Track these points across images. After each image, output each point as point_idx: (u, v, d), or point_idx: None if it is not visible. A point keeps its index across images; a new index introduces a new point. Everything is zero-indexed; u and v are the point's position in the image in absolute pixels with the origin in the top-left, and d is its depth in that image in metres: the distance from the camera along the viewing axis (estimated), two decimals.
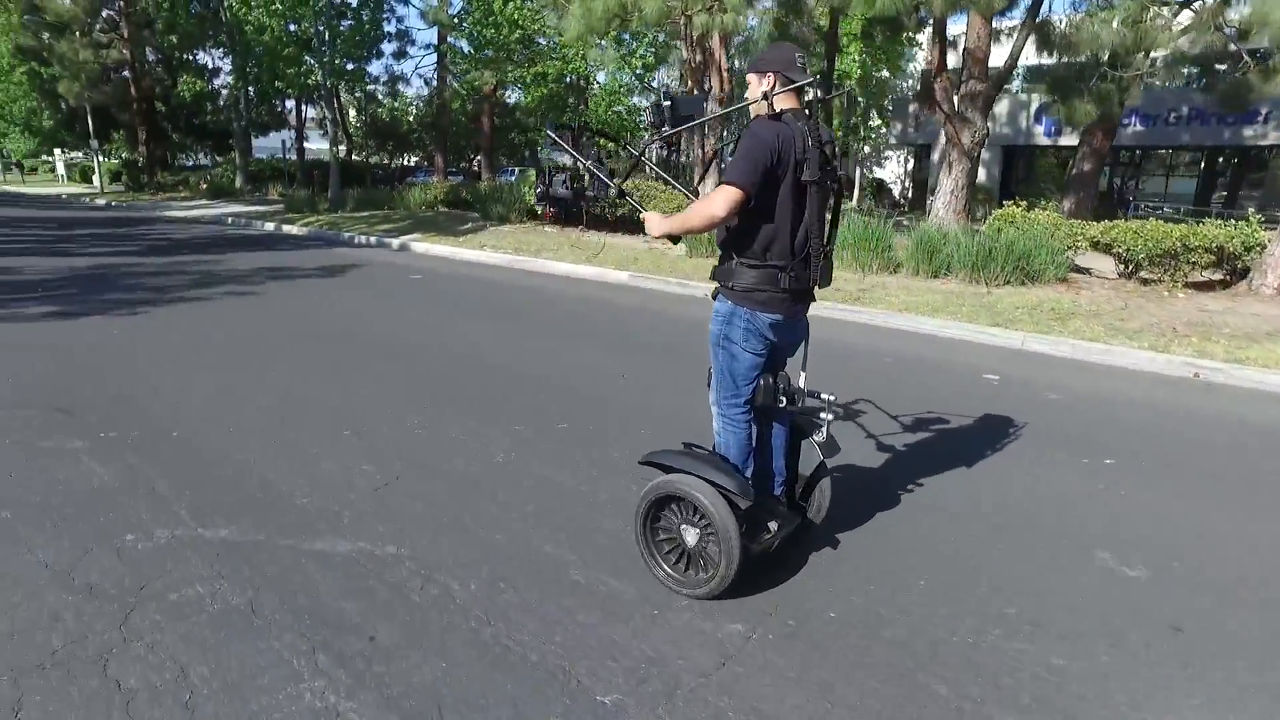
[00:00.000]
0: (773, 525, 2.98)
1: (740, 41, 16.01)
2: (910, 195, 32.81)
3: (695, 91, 14.59)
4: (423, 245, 15.82)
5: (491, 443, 4.46)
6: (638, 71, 17.11)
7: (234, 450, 4.22)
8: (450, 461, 4.17)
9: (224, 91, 31.31)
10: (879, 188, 34.58)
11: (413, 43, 28.02)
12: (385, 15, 25.22)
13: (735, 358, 2.83)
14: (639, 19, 12.07)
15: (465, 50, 28.36)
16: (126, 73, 32.76)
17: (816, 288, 2.85)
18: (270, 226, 20.19)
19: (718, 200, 2.59)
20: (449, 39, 24.76)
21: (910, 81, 35.99)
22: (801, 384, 3.02)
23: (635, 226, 17.05)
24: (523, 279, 12.07)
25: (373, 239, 16.87)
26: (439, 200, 22.34)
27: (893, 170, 37.24)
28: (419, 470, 4.03)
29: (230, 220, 22.03)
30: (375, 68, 28.11)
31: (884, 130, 32.55)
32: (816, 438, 3.01)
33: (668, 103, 2.86)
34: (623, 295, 10.68)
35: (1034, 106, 28.03)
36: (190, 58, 30.73)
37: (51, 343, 6.59)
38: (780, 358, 2.99)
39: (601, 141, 3.67)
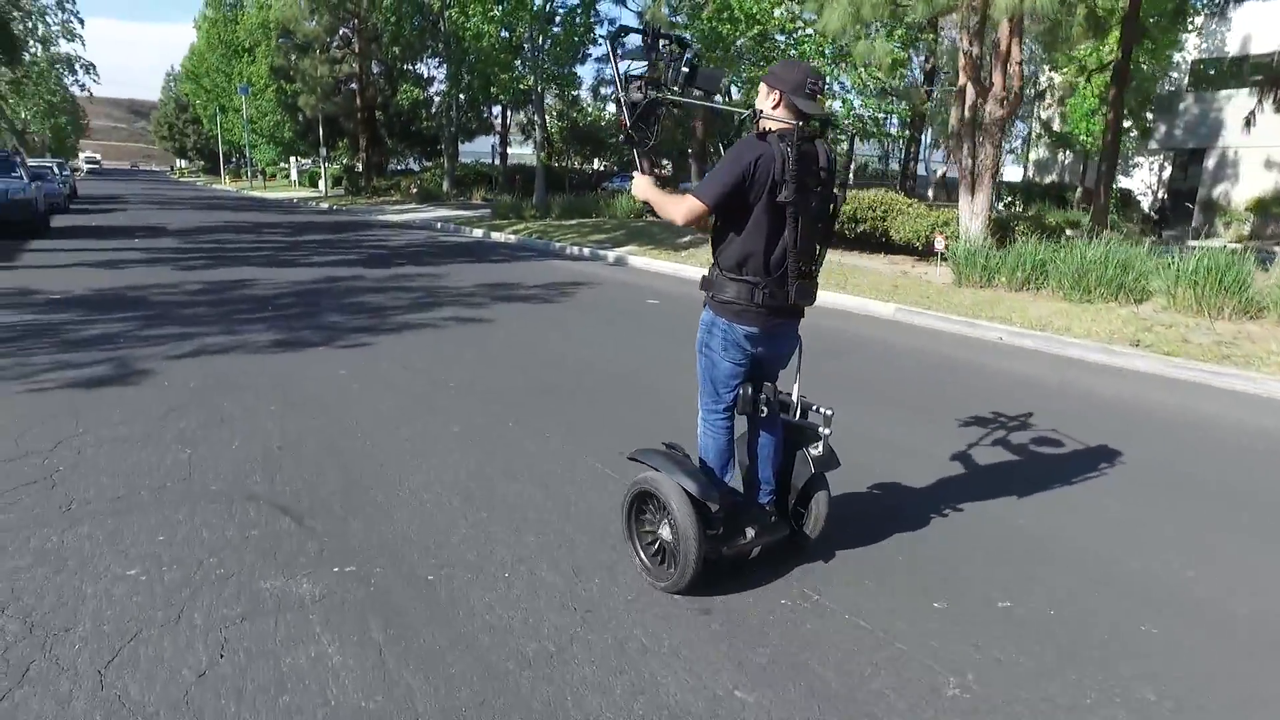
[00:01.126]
0: (750, 531, 3.00)
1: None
2: (1169, 209, 27.92)
3: (970, 89, 12.18)
4: (641, 260, 14.54)
5: None
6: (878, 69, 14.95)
7: (517, 623, 2.75)
8: None
9: (436, 99, 32.24)
10: (1124, 200, 29.84)
11: (623, 45, 26.87)
12: (596, 19, 24.52)
13: (715, 365, 2.92)
14: (925, 5, 9.97)
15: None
16: (354, 85, 34.68)
17: (803, 305, 2.89)
18: (479, 233, 19.87)
19: (681, 207, 2.75)
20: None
21: (1177, 74, 30.86)
22: (794, 396, 3.14)
23: (877, 245, 14.87)
24: None
25: (586, 250, 15.84)
26: (650, 211, 21.17)
27: (1141, 180, 32.12)
28: None
29: (440, 225, 22.12)
30: (584, 71, 27.51)
31: (1135, 134, 27.90)
32: (813, 450, 3.06)
33: (686, 68, 2.89)
34: (896, 334, 8.69)
35: None
36: (410, 67, 31.89)
37: (278, 383, 5.63)
38: (767, 369, 3.03)
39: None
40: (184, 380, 5.64)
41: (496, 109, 35.64)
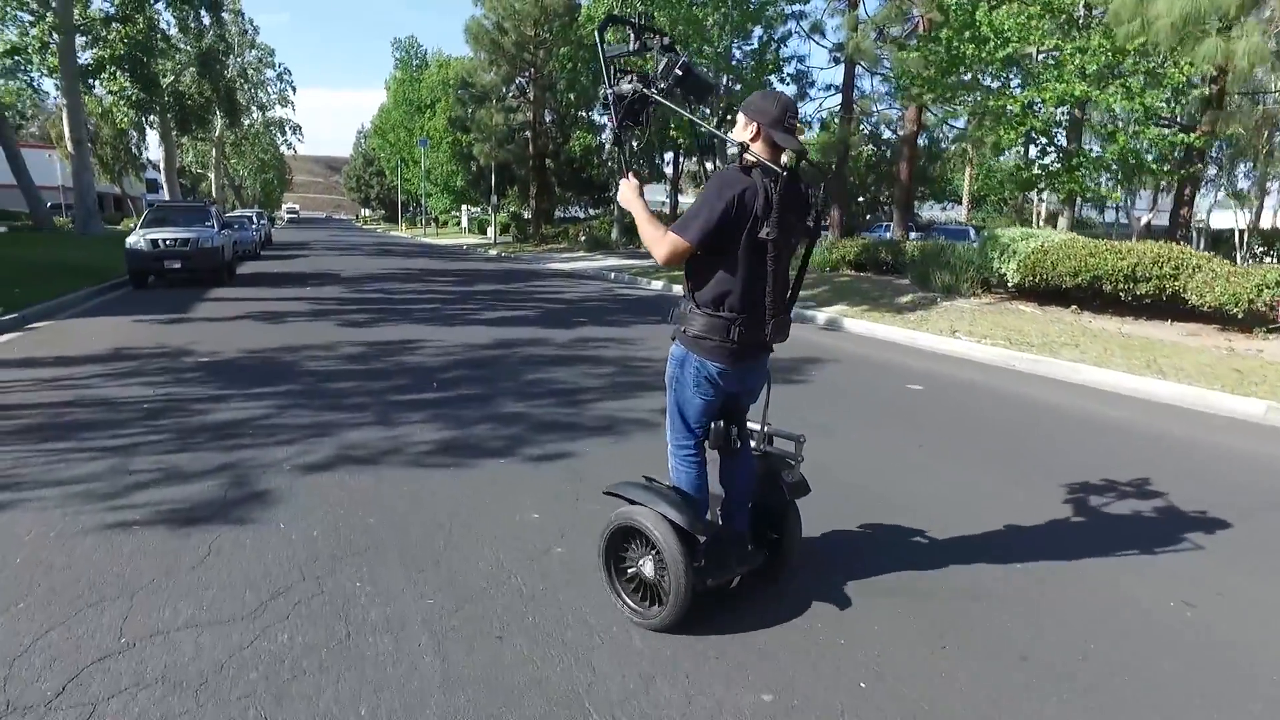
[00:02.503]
0: (731, 561, 2.97)
1: None
2: None
3: None
4: (859, 323, 12.02)
5: None
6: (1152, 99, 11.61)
7: None
8: None
9: (608, 145, 31.44)
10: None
11: (812, 84, 24.80)
12: (785, 57, 22.60)
13: (686, 401, 2.85)
14: None
15: (873, 83, 24.73)
16: (527, 132, 34.67)
17: (777, 342, 2.83)
18: (658, 285, 18.06)
19: (664, 246, 2.65)
20: (863, 71, 21.42)
21: None
22: (764, 426, 3.21)
23: (1164, 311, 11.56)
24: (1052, 393, 7.56)
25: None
26: (845, 261, 18.68)
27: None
28: None
29: (613, 276, 20.60)
30: None
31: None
32: (787, 477, 3.10)
33: (680, 70, 2.82)
34: (1273, 443, 5.70)
35: None
36: (584, 114, 31.34)
37: (442, 531, 3.67)
38: (739, 403, 2.99)
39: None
40: (307, 520, 3.78)
41: (669, 155, 34.46)
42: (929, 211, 48.32)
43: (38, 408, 5.71)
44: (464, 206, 55.55)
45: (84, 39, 23.91)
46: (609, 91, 2.87)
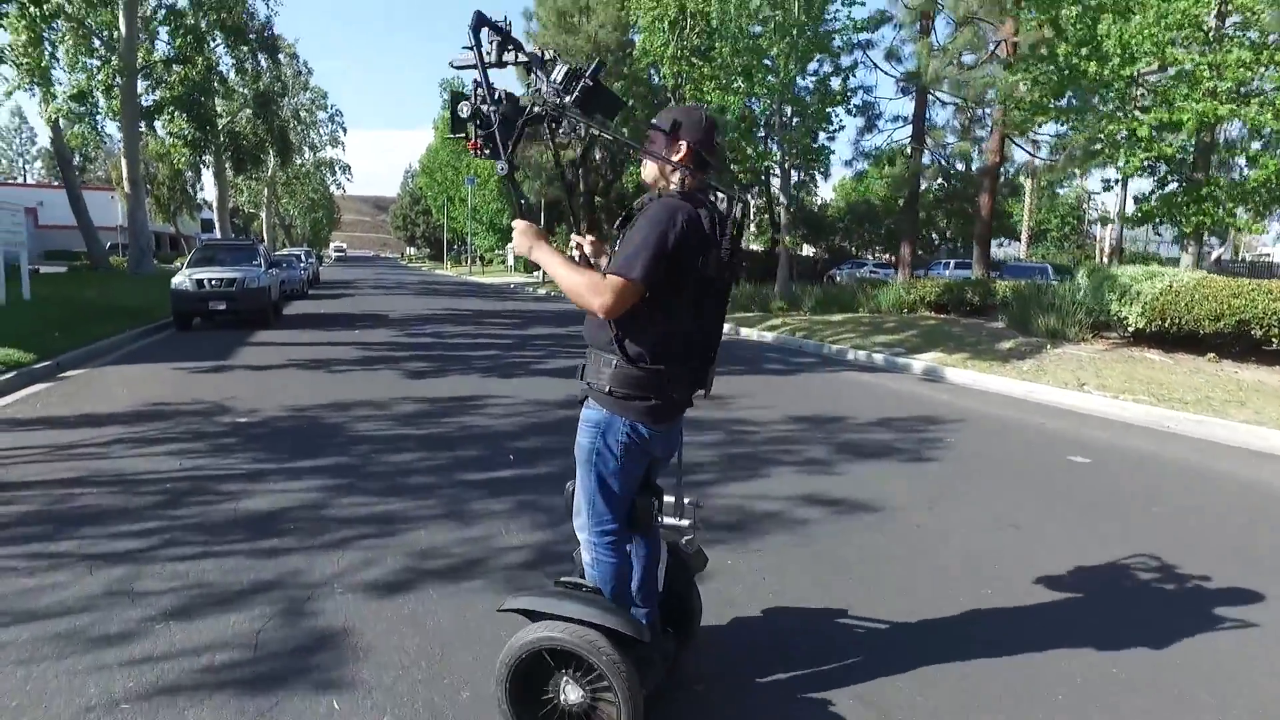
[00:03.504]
0: (657, 660, 2.49)
1: None
2: None
3: None
4: (963, 373, 10.68)
5: None
6: None
7: None
8: None
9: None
10: None
11: (879, 115, 23.70)
12: (853, 89, 21.55)
13: (610, 476, 2.37)
14: None
15: (947, 114, 23.59)
16: (578, 169, 34.10)
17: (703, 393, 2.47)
18: (726, 329, 16.88)
19: (607, 293, 2.18)
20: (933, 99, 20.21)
21: None
22: (680, 494, 2.71)
23: None
24: (1245, 466, 6.15)
25: (877, 357, 12.23)
26: (923, 302, 17.34)
27: None
28: None
29: None
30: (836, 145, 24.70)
31: None
32: (687, 547, 2.76)
33: (589, 80, 2.39)
34: None
35: None
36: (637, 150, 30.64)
37: None
38: (656, 471, 2.60)
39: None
40: (372, 697, 2.64)
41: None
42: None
43: (38, 488, 4.71)
44: (509, 245, 55.42)
45: (145, 81, 23.90)
46: (491, 109, 2.38)
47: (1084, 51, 10.88)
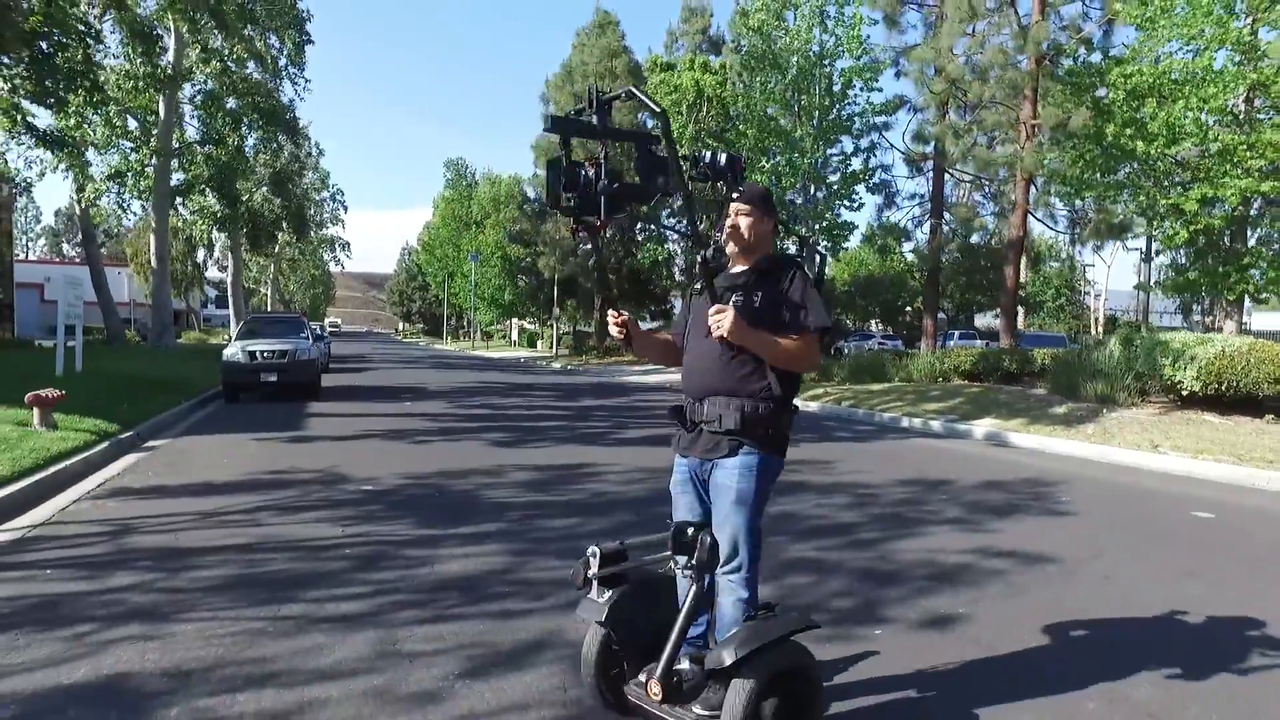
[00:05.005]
0: None
1: None
2: None
3: None
4: (1027, 438, 10.86)
5: None
6: None
7: None
8: None
9: (679, 256, 31.28)
10: None
11: (896, 193, 24.52)
12: (873, 169, 22.37)
13: (761, 514, 2.60)
14: None
15: (964, 190, 24.38)
16: (589, 246, 34.82)
17: None
18: None
19: (815, 350, 2.57)
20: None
21: None
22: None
23: None
24: None
25: (934, 424, 12.41)
26: (956, 370, 17.63)
27: None
28: None
29: None
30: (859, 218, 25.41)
31: None
32: None
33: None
34: None
35: None
36: (653, 227, 31.38)
37: None
38: None
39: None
40: None
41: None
42: (981, 319, 47.40)
43: (220, 554, 4.69)
44: (513, 320, 55.90)
45: (176, 161, 24.46)
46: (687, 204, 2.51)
47: (1129, 131, 11.51)
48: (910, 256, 25.17)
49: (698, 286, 2.67)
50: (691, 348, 2.72)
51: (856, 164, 21.22)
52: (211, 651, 3.30)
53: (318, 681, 3.04)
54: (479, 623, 3.69)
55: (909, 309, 43.06)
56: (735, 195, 2.60)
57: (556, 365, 31.08)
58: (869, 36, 19.84)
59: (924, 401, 14.58)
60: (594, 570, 2.63)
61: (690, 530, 2.57)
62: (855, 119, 20.60)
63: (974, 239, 24.53)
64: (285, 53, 27.41)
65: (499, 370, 27.17)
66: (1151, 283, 19.47)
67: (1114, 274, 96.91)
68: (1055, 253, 47.98)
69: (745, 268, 2.68)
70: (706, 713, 2.47)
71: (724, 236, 2.64)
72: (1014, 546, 5.18)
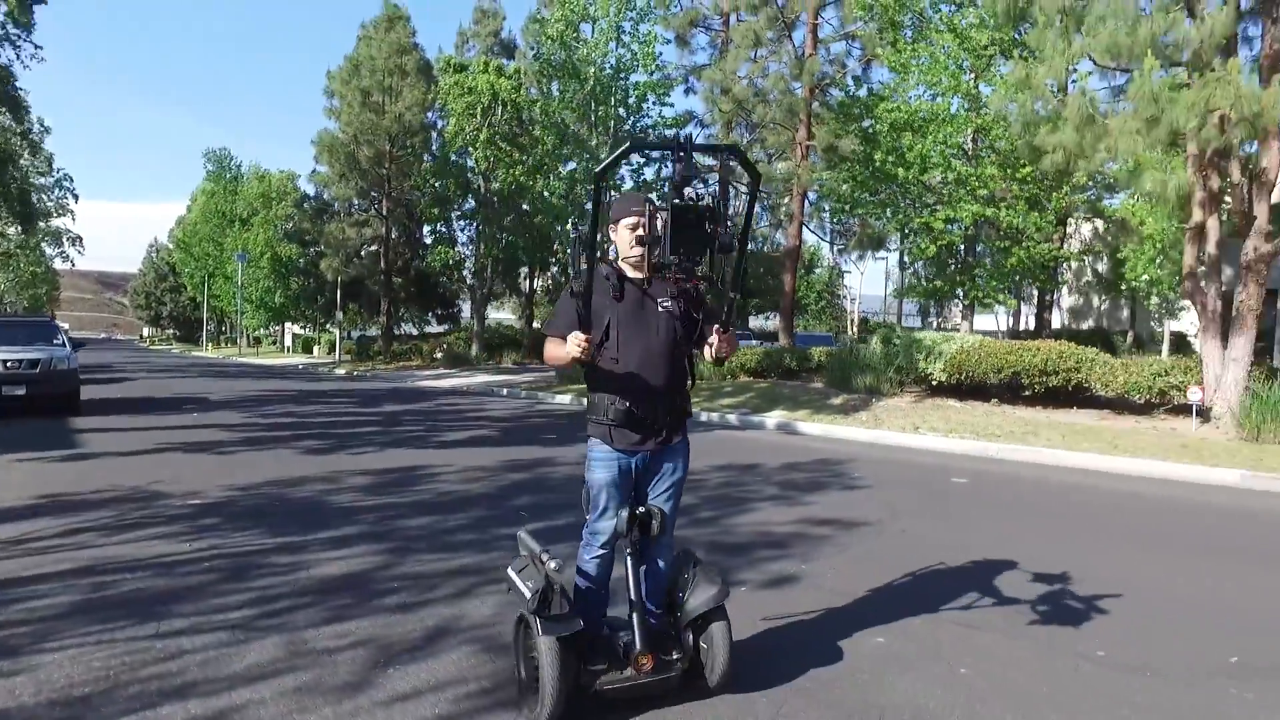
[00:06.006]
0: None
1: None
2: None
3: (1211, 225, 10.76)
4: (814, 426, 12.32)
5: None
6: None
7: None
8: None
9: (470, 260, 30.92)
10: (1178, 344, 28.74)
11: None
12: (666, 178, 23.66)
13: None
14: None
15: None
16: (376, 247, 33.44)
17: None
18: (564, 399, 17.55)
19: None
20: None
21: None
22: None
23: (1068, 400, 12.90)
24: (1069, 476, 8.07)
25: (731, 418, 13.61)
26: (743, 368, 19.25)
27: (1192, 321, 31.26)
28: None
29: (505, 391, 19.80)
30: None
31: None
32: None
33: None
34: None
35: None
36: (444, 230, 30.78)
37: None
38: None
39: None
40: None
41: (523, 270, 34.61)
42: (754, 321, 51.46)
43: (57, 580, 4.29)
44: (287, 324, 51.96)
45: None
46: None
47: (891, 159, 13.47)
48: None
49: (613, 289, 2.81)
50: (640, 347, 2.80)
51: (649, 174, 22.42)
52: (101, 673, 3.14)
53: (243, 685, 3.04)
54: (383, 617, 3.79)
55: None
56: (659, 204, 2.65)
57: (341, 371, 29.51)
58: (661, 54, 21.08)
59: (719, 397, 15.86)
60: (554, 582, 2.73)
61: (644, 511, 2.88)
62: (650, 131, 21.76)
63: (753, 247, 26.92)
64: (6, 10, 23.65)
65: (281, 378, 25.33)
66: (904, 288, 22.66)
67: (865, 281, 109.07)
68: (818, 260, 53.32)
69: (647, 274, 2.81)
70: (678, 656, 2.87)
71: (640, 248, 2.72)
72: (830, 515, 6.08)
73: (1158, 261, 16.38)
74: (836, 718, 2.87)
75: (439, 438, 10.59)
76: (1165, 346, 26.08)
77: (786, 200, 23.21)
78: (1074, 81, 12.85)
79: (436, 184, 28.43)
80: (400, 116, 28.91)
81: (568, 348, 2.68)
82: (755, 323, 51.30)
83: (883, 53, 14.95)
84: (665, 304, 2.87)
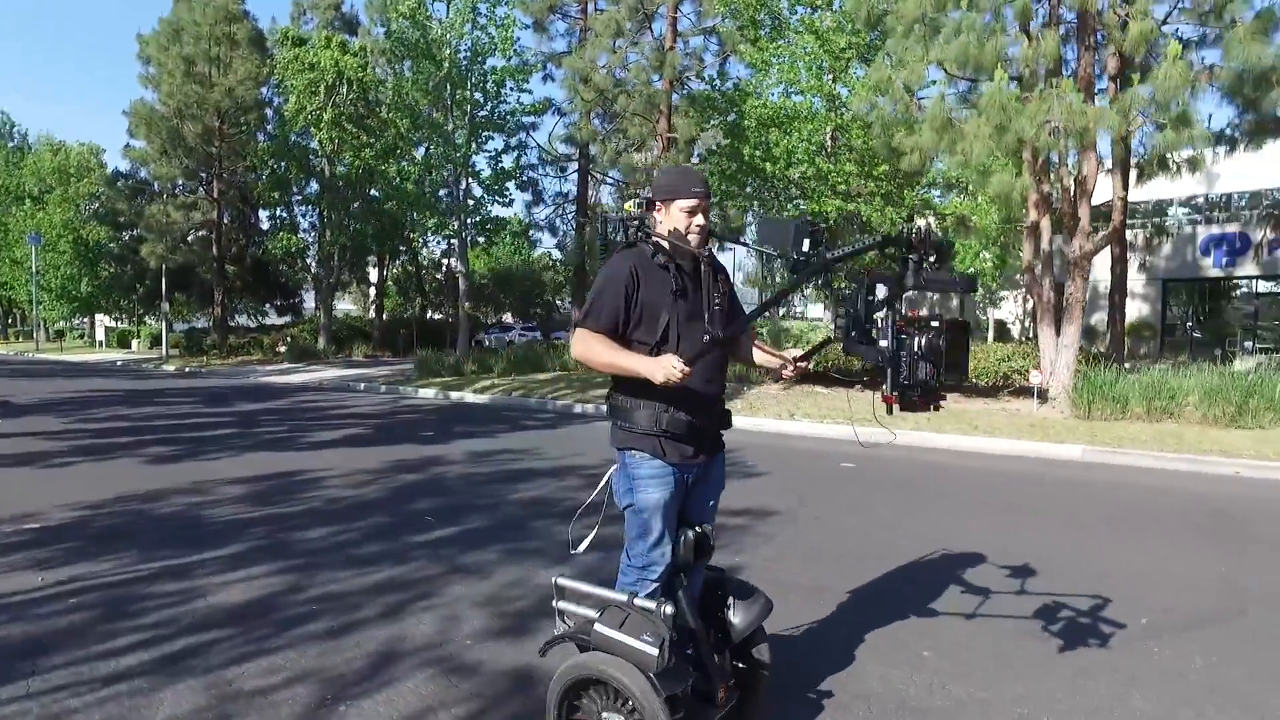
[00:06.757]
0: None
1: None
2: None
3: (1044, 225, 11.89)
4: None
5: None
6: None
7: None
8: None
9: (314, 248, 28.94)
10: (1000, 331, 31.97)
11: (542, 191, 25.84)
12: (525, 167, 23.26)
13: None
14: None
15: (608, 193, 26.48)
16: (205, 232, 30.65)
17: None
18: (429, 393, 16.86)
19: None
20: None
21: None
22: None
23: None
24: (935, 457, 8.71)
25: (604, 407, 13.51)
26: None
27: (1010, 310, 34.68)
28: None
29: (363, 386, 18.75)
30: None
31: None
32: None
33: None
34: (1108, 476, 7.29)
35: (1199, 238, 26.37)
36: (285, 215, 28.59)
37: None
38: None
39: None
40: None
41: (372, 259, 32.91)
42: None
43: None
44: (97, 316, 46.63)
45: None
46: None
47: (758, 154, 13.87)
48: (556, 253, 26.69)
49: (676, 285, 2.44)
50: (699, 340, 2.39)
51: (508, 161, 21.90)
52: None
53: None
54: (313, 645, 3.41)
55: (540, 300, 45.44)
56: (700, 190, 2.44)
57: (171, 368, 26.76)
58: (519, 39, 20.60)
59: (589, 388, 15.77)
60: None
61: (700, 533, 2.54)
62: (508, 117, 21.25)
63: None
64: None
65: (101, 376, 22.61)
66: (762, 279, 23.59)
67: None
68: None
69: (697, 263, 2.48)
70: (734, 680, 2.58)
71: (698, 237, 2.43)
72: (741, 505, 6.15)
73: (983, 255, 17.98)
74: (826, 707, 2.87)
75: (308, 438, 9.80)
76: (990, 334, 28.87)
77: (646, 190, 23.46)
78: (920, 88, 13.82)
79: (275, 165, 26.37)
80: (231, 90, 26.56)
81: (658, 369, 2.20)
82: None
83: (743, 49, 15.37)
84: (717, 301, 2.46)
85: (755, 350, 2.68)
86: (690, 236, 2.41)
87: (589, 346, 2.39)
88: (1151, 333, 27.04)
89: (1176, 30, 11.67)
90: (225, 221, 30.87)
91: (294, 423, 11.53)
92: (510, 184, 22.59)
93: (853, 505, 6.35)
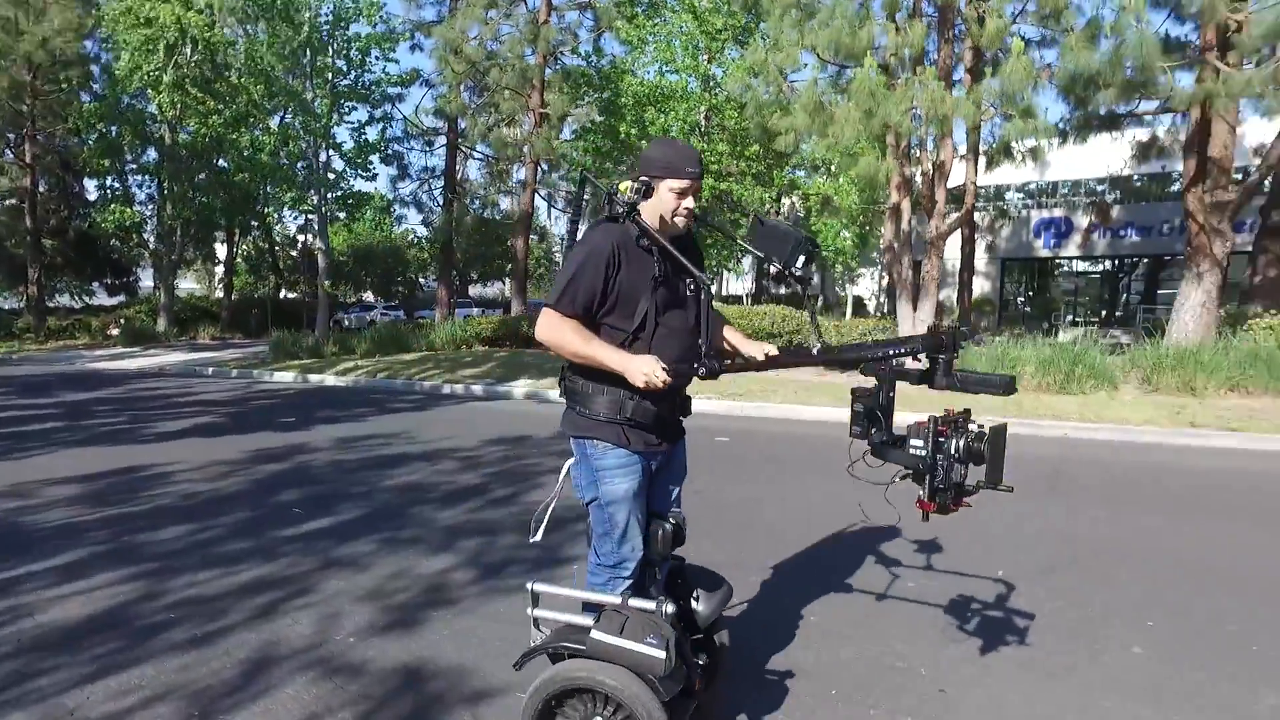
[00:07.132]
0: None
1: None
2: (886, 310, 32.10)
3: (904, 206, 12.56)
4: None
5: None
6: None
7: None
8: None
9: (151, 222, 26.39)
10: (858, 306, 33.86)
11: (407, 166, 24.73)
12: (391, 140, 22.19)
13: None
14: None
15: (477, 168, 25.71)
16: (16, 201, 27.33)
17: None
18: (287, 376, 15.85)
19: None
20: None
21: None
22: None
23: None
24: (812, 430, 9.05)
25: (477, 388, 13.16)
26: (478, 337, 18.77)
27: (867, 286, 36.70)
28: None
29: (210, 371, 17.37)
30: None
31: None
32: None
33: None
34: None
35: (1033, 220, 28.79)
36: (116, 186, 25.84)
37: None
38: None
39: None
40: None
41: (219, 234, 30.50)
42: (474, 289, 50.35)
43: None
44: None
45: None
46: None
47: (634, 132, 13.80)
48: (421, 229, 25.73)
49: (658, 271, 2.25)
50: (676, 343, 2.29)
51: (372, 134, 20.85)
52: None
53: None
54: (173, 658, 3.05)
55: (403, 279, 43.82)
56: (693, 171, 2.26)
57: None
58: (385, 5, 19.59)
59: (459, 368, 15.32)
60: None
61: (675, 524, 2.42)
62: (373, 88, 20.18)
63: (485, 214, 26.25)
64: None
65: None
66: None
67: None
68: (540, 229, 53.69)
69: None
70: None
71: (685, 220, 2.28)
72: None
73: (843, 235, 18.84)
74: (787, 686, 2.85)
75: (152, 429, 8.92)
76: (849, 309, 30.42)
77: (517, 166, 22.98)
78: (793, 72, 14.23)
79: (105, 129, 23.79)
80: (46, 41, 23.66)
81: (639, 372, 2.08)
82: (475, 290, 50.36)
83: (619, 26, 15.24)
84: (690, 284, 2.30)
85: (726, 335, 2.60)
86: (677, 219, 2.26)
87: (560, 333, 2.18)
88: (991, 308, 29.33)
89: (1019, 30, 12.55)
90: (41, 190, 27.63)
91: (133, 412, 10.47)
92: (374, 157, 21.55)
93: (733, 479, 6.42)
